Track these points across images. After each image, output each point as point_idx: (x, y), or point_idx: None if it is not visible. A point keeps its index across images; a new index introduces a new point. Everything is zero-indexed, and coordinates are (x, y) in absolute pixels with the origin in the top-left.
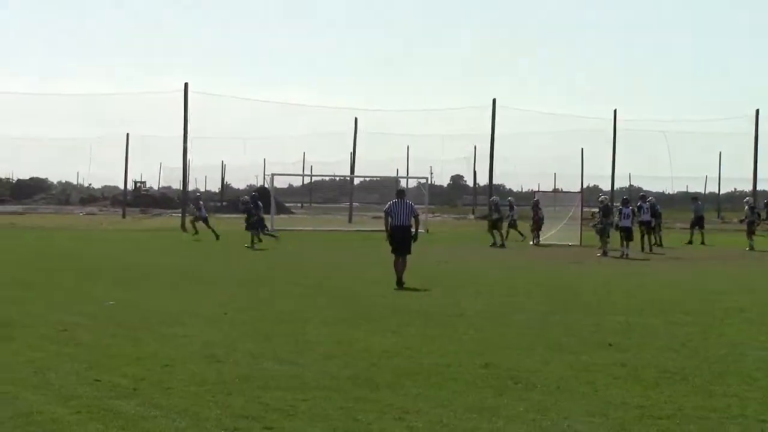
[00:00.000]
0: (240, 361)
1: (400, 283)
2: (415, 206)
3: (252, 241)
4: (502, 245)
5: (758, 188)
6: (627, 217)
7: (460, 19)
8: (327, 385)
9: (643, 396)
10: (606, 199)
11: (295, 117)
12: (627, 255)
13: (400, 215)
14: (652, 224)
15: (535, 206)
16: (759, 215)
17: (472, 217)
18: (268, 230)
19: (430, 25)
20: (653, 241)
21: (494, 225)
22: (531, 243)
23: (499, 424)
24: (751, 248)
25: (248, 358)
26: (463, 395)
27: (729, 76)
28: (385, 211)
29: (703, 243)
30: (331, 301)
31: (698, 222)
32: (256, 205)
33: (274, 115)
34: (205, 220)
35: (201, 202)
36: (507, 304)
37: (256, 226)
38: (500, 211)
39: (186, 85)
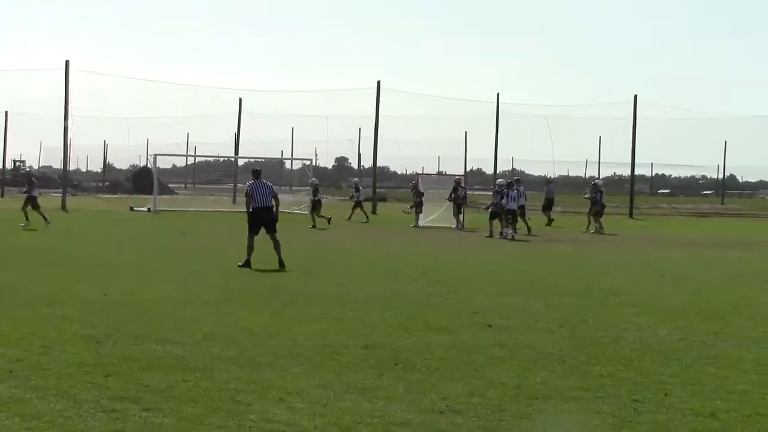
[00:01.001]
0: (120, 342)
1: (280, 266)
2: (274, 186)
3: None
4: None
5: (636, 173)
6: (513, 200)
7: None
8: (208, 365)
9: (521, 376)
10: (503, 182)
11: (179, 97)
12: (513, 237)
13: (262, 196)
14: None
15: (415, 187)
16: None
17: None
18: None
19: (316, 5)
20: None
21: (357, 205)
22: (412, 226)
23: (379, 405)
24: (587, 230)
25: (128, 340)
26: (343, 376)
27: (609, 61)
28: (246, 193)
29: (548, 225)
30: (212, 281)
31: (548, 204)
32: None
33: (158, 94)
34: (34, 201)
35: (33, 179)
36: (389, 286)
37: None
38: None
39: (67, 62)
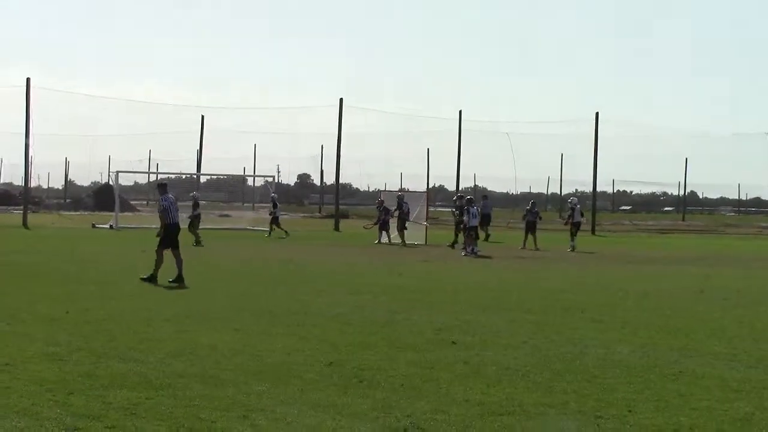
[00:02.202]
0: (82, 360)
1: (178, 280)
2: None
3: None
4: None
5: (598, 189)
6: (475, 217)
7: (307, 18)
8: (171, 383)
9: (485, 393)
10: (464, 199)
11: (141, 114)
12: (477, 253)
13: (176, 212)
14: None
15: (380, 206)
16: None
17: (318, 215)
18: None
19: (277, 23)
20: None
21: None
22: (376, 242)
23: (342, 422)
24: (572, 249)
25: (91, 357)
26: (307, 393)
27: (571, 78)
28: (165, 207)
29: (485, 240)
30: (174, 299)
31: (485, 220)
32: None
33: (120, 112)
34: None
35: None
36: (352, 303)
37: None
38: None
39: (28, 80)
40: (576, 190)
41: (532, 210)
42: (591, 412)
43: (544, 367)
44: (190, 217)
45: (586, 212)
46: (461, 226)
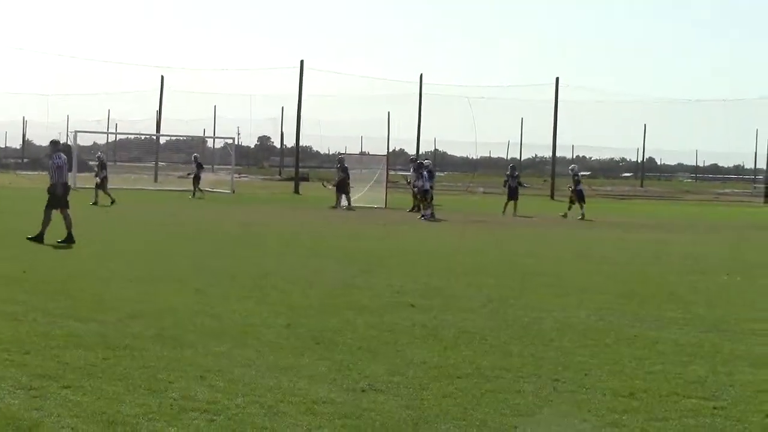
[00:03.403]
0: (39, 319)
1: (69, 239)
2: None
3: None
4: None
5: (557, 155)
6: (427, 180)
7: None
8: (129, 344)
9: (443, 356)
10: (430, 163)
11: (100, 73)
12: (433, 216)
13: (66, 171)
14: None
15: (340, 162)
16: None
17: (278, 177)
18: None
19: None
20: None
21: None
22: (332, 206)
23: (300, 384)
24: (566, 216)
25: (48, 317)
26: (265, 355)
27: (532, 43)
28: (59, 165)
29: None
30: (133, 259)
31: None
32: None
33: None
34: None
35: None
36: (311, 266)
37: None
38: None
39: None
40: (536, 155)
41: (513, 174)
42: (548, 375)
43: (502, 330)
44: (99, 178)
45: (545, 177)
46: (415, 190)
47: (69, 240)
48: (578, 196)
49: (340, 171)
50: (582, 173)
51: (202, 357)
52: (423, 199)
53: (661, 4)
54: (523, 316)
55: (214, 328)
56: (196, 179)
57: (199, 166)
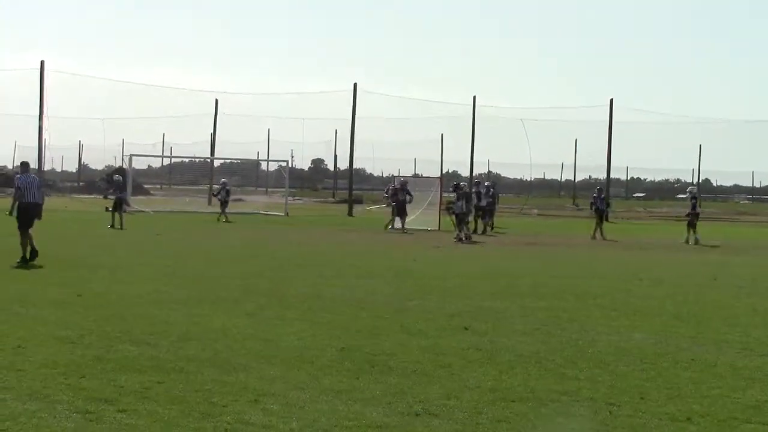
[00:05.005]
0: (94, 343)
1: (32, 257)
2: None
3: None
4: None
5: (612, 176)
6: (470, 202)
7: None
8: (183, 367)
9: (497, 379)
10: (465, 185)
11: (155, 98)
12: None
13: (32, 190)
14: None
15: (402, 191)
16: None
17: (332, 200)
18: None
19: (294, 7)
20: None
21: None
22: (389, 227)
23: (355, 407)
24: (688, 241)
25: (103, 340)
26: (319, 378)
27: (586, 65)
28: (17, 187)
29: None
30: (186, 282)
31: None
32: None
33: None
34: None
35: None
36: (364, 288)
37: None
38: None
39: (42, 62)
40: (590, 177)
41: (600, 197)
42: (603, 399)
43: (557, 353)
44: (115, 198)
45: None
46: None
47: (28, 259)
48: (693, 220)
49: (404, 193)
50: (636, 195)
51: (256, 380)
52: (459, 222)
53: (716, 22)
54: (578, 339)
55: (267, 350)
56: (224, 204)
57: (227, 192)
